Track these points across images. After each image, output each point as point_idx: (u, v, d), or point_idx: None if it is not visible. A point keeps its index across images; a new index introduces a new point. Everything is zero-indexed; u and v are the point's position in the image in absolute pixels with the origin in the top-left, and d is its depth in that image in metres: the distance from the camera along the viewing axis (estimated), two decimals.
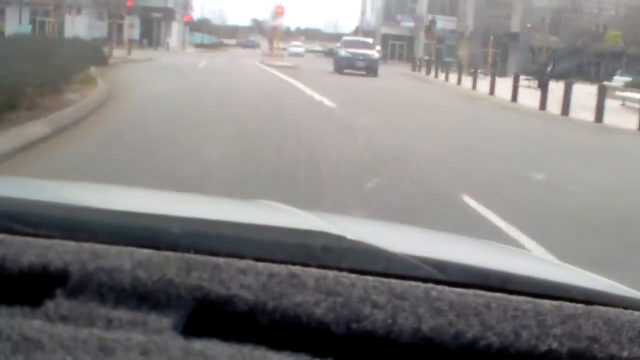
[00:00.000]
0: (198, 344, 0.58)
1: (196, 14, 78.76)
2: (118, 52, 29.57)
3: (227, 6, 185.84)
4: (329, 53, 71.50)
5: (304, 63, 38.38)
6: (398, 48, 60.21)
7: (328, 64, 36.61)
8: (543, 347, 0.61)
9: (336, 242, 0.77)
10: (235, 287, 0.65)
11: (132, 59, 28.41)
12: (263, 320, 0.64)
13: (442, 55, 44.42)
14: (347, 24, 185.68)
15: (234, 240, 0.78)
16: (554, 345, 0.61)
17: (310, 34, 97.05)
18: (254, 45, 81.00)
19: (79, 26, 32.50)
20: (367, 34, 60.85)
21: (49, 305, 0.63)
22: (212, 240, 0.77)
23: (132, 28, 47.55)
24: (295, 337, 0.63)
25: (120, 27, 48.27)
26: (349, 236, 0.78)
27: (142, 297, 0.64)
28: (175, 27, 59.76)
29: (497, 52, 41.51)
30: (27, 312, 0.62)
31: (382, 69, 32.09)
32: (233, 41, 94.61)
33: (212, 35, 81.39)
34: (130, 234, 0.78)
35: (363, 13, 64.40)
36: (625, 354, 0.61)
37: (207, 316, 0.64)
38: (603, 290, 0.78)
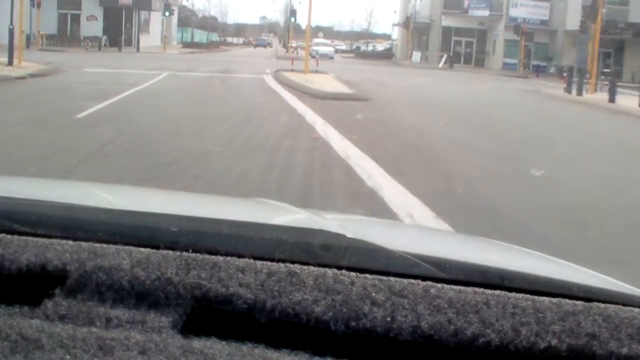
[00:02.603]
0: (197, 343, 0.58)
1: (188, 5, 67.33)
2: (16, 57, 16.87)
3: (231, 2, 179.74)
4: (361, 54, 55.05)
5: (361, 77, 21.68)
6: (465, 46, 43.28)
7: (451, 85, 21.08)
8: (542, 344, 0.61)
9: (335, 240, 0.77)
10: (234, 286, 0.65)
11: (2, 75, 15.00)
12: (262, 318, 0.63)
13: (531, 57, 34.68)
14: (384, 18, 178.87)
15: (233, 238, 0.78)
16: (553, 342, 0.61)
17: (324, 32, 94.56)
18: (265, 45, 76.85)
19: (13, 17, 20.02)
20: (419, 28, 45.89)
21: (48, 304, 0.63)
22: (210, 238, 0.77)
23: (92, 20, 36.73)
24: (294, 335, 0.63)
25: (76, 20, 37.14)
26: (348, 234, 0.78)
27: (141, 295, 0.64)
28: (156, 21, 45.37)
29: (606, 52, 32.11)
30: (26, 312, 0.62)
31: (482, 87, 19.87)
32: (240, 40, 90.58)
33: (215, 32, 75.23)
34: (129, 232, 0.78)
35: None
36: (624, 350, 0.61)
37: (206, 315, 0.64)
38: (602, 288, 0.78)
